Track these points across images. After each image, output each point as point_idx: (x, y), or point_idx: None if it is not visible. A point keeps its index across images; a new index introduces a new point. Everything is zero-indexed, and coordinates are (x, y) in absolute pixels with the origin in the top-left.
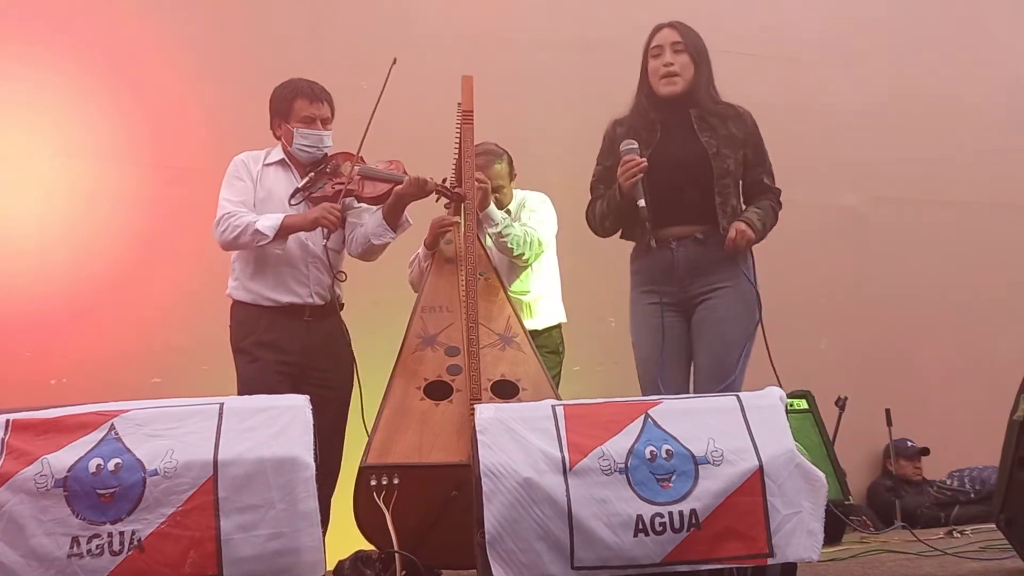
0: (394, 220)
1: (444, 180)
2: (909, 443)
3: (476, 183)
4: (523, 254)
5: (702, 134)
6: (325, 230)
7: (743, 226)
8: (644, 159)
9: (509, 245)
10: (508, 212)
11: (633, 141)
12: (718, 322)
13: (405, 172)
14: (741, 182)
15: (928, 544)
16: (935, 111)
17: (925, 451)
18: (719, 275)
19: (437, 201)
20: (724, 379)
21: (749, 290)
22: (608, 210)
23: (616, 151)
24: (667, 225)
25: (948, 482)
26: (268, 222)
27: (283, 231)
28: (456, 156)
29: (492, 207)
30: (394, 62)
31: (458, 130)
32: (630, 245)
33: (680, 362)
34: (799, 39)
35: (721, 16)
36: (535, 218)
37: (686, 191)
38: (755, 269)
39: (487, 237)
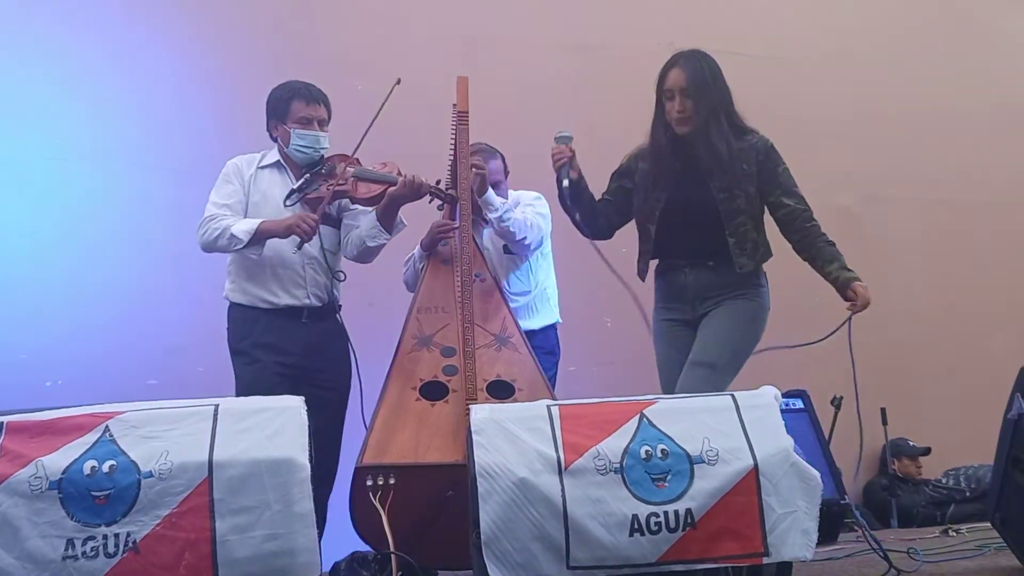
0: (388, 221)
1: (438, 182)
2: (910, 442)
3: (473, 169)
4: (525, 238)
5: (712, 179)
6: (298, 240)
7: (862, 288)
8: (569, 147)
9: (511, 229)
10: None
11: (566, 130)
12: (714, 320)
13: (400, 173)
14: (766, 208)
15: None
16: (928, 110)
17: (927, 451)
18: (729, 292)
19: (430, 202)
20: (709, 368)
21: (756, 303)
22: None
23: (634, 183)
24: (679, 258)
25: (944, 481)
26: (244, 226)
27: (258, 236)
28: (452, 157)
29: (491, 192)
30: (397, 82)
31: (454, 131)
32: (626, 246)
33: None
34: (792, 39)
35: (715, 16)
36: (531, 211)
37: (696, 235)
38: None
39: (484, 234)
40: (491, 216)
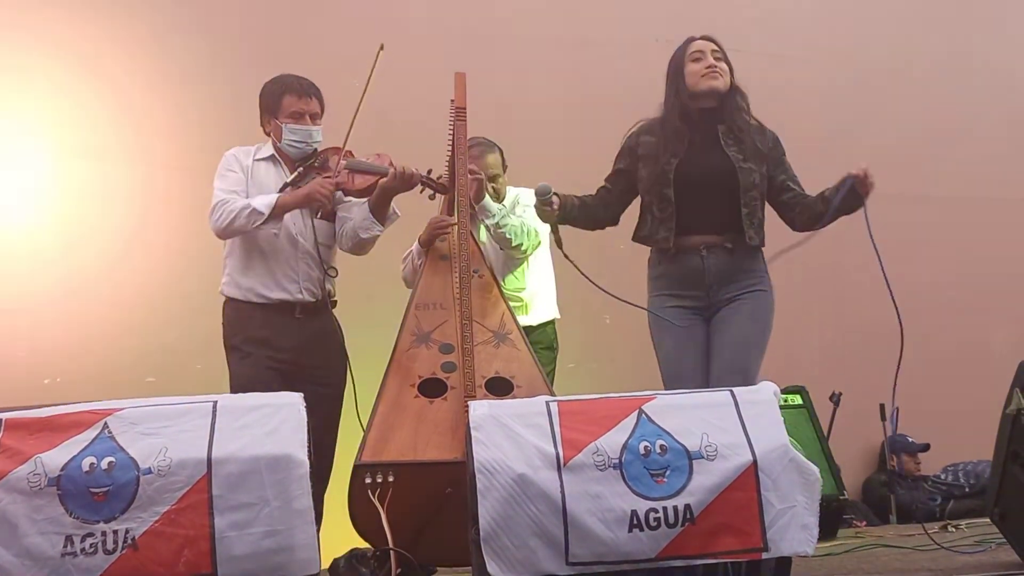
0: (381, 213)
1: (429, 171)
2: (909, 438)
3: (470, 175)
4: (521, 244)
5: (728, 148)
6: (317, 212)
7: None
8: (551, 206)
9: (507, 236)
10: (503, 207)
11: (548, 186)
12: (740, 322)
13: (392, 164)
14: (769, 193)
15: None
16: (928, 106)
17: (926, 447)
18: (745, 281)
19: (422, 192)
20: (742, 376)
21: (770, 296)
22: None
23: (636, 157)
24: (693, 233)
25: (943, 477)
26: (263, 200)
27: (278, 209)
28: (450, 152)
29: (488, 199)
30: (381, 48)
31: (451, 126)
32: (624, 244)
33: (701, 363)
34: (791, 35)
35: (712, 12)
36: (529, 212)
37: (713, 202)
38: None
39: (482, 230)
40: (487, 222)
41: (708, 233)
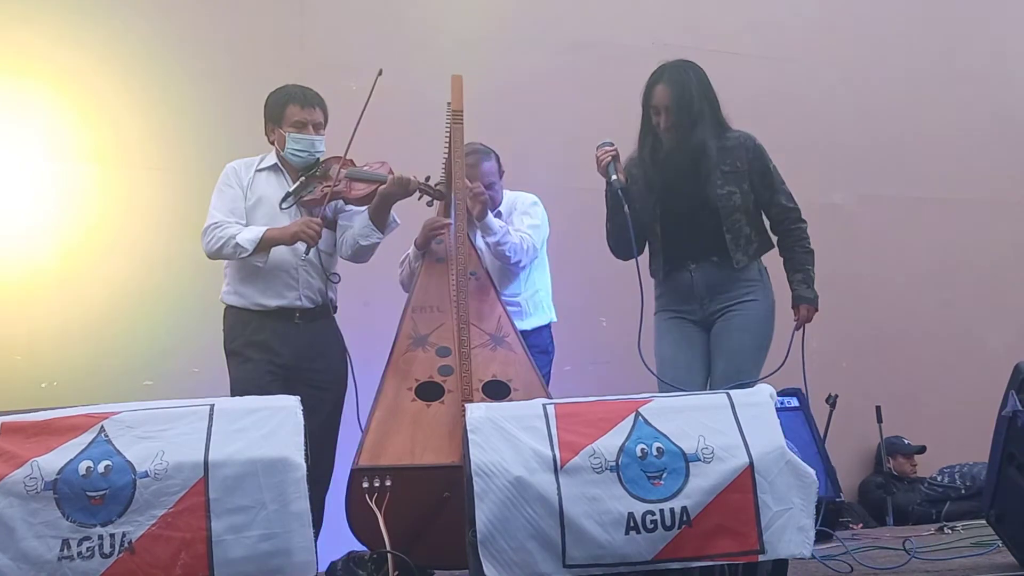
0: (380, 220)
1: (427, 178)
2: (905, 440)
3: (475, 194)
4: (520, 261)
5: (709, 178)
6: (305, 245)
7: (806, 309)
8: (613, 147)
9: (507, 254)
10: (499, 213)
11: (608, 140)
12: (735, 332)
13: (391, 172)
14: (759, 207)
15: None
16: (922, 108)
17: (922, 449)
18: (737, 291)
19: (420, 199)
20: (736, 380)
21: (766, 302)
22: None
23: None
24: (682, 258)
25: (939, 479)
26: (249, 235)
27: (263, 244)
28: (446, 156)
29: (490, 217)
30: (380, 73)
31: (448, 130)
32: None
33: (699, 365)
34: (785, 38)
35: (708, 15)
36: (527, 222)
37: (697, 232)
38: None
39: (478, 239)
40: (488, 240)
41: (696, 259)
